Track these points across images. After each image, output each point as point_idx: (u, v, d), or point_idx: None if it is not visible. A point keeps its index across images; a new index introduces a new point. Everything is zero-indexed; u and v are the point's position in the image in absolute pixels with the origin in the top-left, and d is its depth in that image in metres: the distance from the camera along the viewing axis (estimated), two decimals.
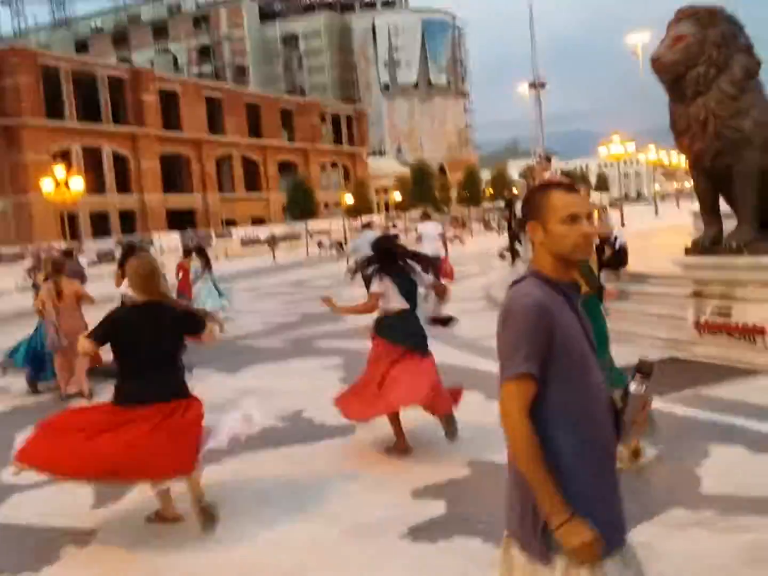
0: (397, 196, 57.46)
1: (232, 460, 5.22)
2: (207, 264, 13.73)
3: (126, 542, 4.22)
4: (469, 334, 9.49)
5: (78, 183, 26.72)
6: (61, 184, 26.40)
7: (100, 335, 4.21)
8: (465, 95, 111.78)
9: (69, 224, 44.97)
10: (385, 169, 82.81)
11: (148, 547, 4.11)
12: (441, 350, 8.59)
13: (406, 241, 18.63)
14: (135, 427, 4.04)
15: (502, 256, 20.39)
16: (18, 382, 8.84)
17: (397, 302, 5.26)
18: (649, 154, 53.11)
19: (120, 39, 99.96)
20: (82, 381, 8.00)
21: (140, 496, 4.66)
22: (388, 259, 5.33)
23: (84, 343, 4.20)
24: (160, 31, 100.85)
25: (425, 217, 16.84)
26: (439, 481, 4.63)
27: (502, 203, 33.64)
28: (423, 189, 51.38)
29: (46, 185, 26.48)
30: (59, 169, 26.70)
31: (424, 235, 14.94)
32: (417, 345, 5.22)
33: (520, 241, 16.23)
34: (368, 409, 5.19)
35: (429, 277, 5.51)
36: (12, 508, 4.94)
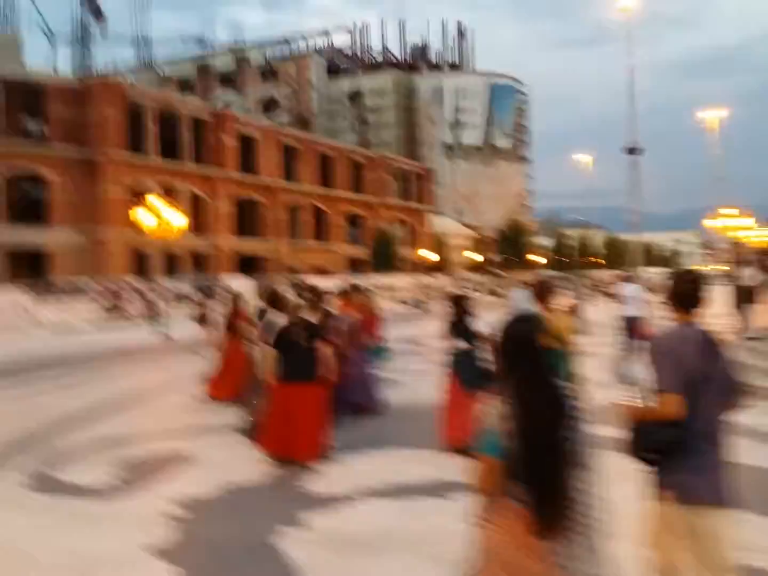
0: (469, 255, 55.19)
1: None
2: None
3: None
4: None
5: (180, 218, 24.91)
6: (163, 220, 24.59)
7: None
8: (527, 161, 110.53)
9: (140, 261, 43.58)
10: (449, 229, 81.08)
11: None
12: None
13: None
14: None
15: None
16: None
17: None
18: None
19: (187, 86, 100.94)
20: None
21: None
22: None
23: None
24: (227, 80, 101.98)
25: (627, 279, 17.00)
26: None
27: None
28: (516, 249, 49.12)
29: (147, 220, 24.68)
30: (160, 204, 24.95)
31: (627, 296, 14.58)
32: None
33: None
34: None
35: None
36: None
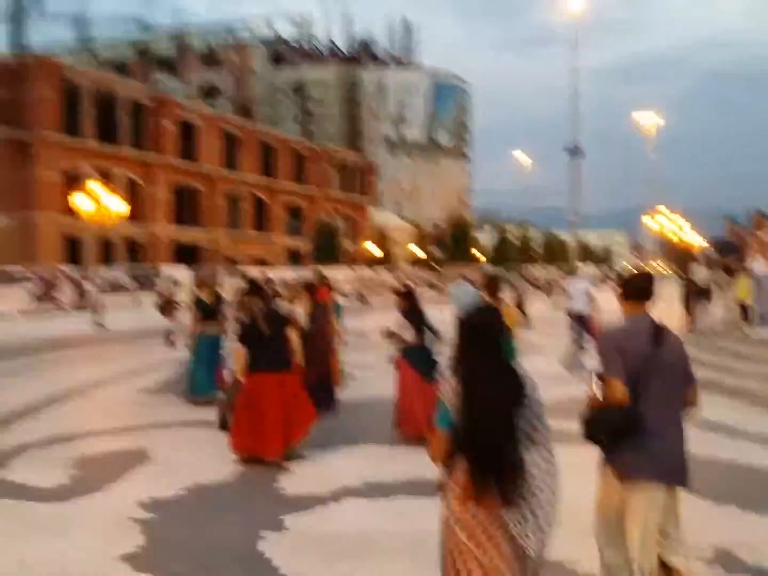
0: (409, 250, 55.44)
1: None
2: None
3: None
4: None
5: (119, 205, 24.08)
6: (101, 204, 23.74)
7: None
8: (467, 158, 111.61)
9: (73, 249, 42.02)
10: (389, 223, 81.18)
11: None
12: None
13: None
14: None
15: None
16: None
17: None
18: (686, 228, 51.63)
19: (125, 70, 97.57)
20: None
21: None
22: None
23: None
24: (167, 65, 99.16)
25: (574, 275, 17.27)
26: None
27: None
28: (457, 245, 49.50)
29: (85, 204, 23.78)
30: (98, 188, 24.08)
31: (573, 291, 14.71)
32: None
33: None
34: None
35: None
36: None
